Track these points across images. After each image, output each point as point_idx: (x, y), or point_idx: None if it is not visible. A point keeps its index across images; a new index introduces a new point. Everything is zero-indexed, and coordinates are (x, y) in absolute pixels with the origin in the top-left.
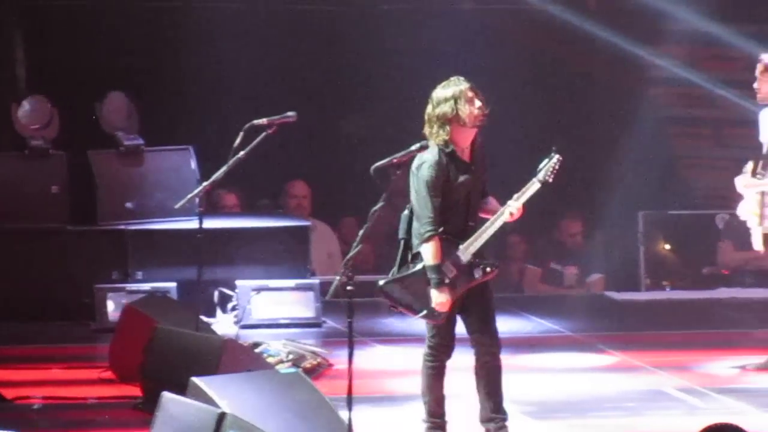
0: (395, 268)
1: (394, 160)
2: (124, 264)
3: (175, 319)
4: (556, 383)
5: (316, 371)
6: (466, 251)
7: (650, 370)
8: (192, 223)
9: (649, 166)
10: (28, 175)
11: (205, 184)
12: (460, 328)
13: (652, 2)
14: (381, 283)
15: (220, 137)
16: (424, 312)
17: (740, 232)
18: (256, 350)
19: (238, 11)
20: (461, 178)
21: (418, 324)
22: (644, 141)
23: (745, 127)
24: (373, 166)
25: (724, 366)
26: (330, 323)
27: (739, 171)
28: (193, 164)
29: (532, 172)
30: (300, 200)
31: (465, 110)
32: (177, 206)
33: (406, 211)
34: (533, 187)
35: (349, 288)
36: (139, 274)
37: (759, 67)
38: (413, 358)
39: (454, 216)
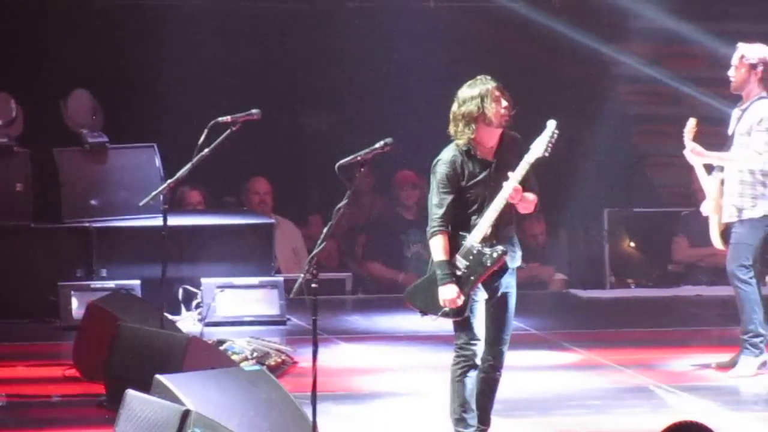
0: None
1: (359, 158)
2: (89, 261)
3: (139, 316)
4: (521, 381)
5: (280, 369)
6: (473, 239)
7: (615, 368)
8: (156, 221)
9: (613, 164)
10: None
11: (169, 181)
12: None
13: (616, 0)
14: (405, 293)
15: (185, 135)
16: (444, 311)
17: (696, 229)
18: (221, 348)
19: (200, 8)
20: (479, 177)
21: (382, 322)
22: (609, 139)
23: (710, 125)
24: (337, 164)
25: (688, 363)
26: (294, 321)
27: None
28: (158, 162)
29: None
30: (262, 197)
31: (492, 109)
32: (141, 203)
33: None
34: (529, 159)
35: (313, 285)
36: (104, 272)
37: (735, 55)
38: (377, 355)
39: (470, 214)
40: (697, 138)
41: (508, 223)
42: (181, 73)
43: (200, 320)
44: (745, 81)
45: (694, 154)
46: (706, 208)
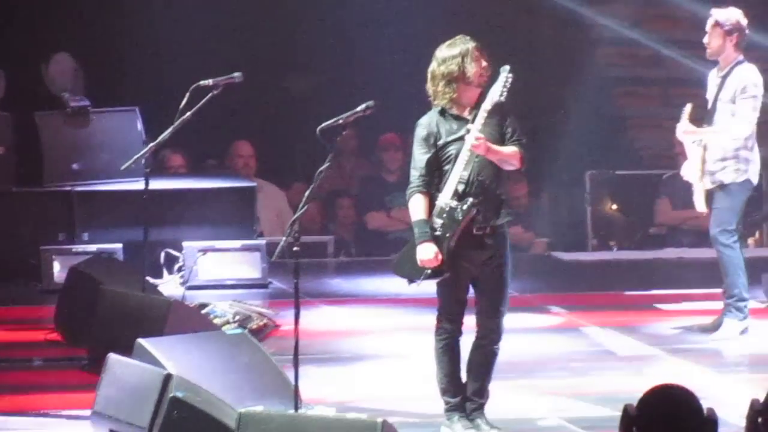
0: None
1: (341, 121)
2: (71, 225)
3: (121, 280)
4: (503, 343)
5: (262, 332)
6: (444, 197)
7: (597, 331)
8: (138, 184)
9: (595, 127)
10: None
11: (151, 145)
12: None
13: None
14: (392, 266)
15: (166, 98)
16: (425, 273)
17: (678, 191)
18: (203, 311)
19: None
20: (456, 134)
21: (364, 285)
22: (590, 101)
23: (692, 87)
24: (319, 127)
25: (670, 326)
26: (276, 284)
27: None
28: (139, 125)
29: None
30: (246, 160)
31: (472, 69)
32: (123, 167)
33: None
34: (485, 107)
35: (295, 249)
36: (85, 236)
37: (709, 22)
38: (359, 318)
39: (447, 173)
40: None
41: (489, 181)
42: (163, 37)
43: (182, 284)
44: (721, 47)
45: (686, 133)
46: (686, 172)
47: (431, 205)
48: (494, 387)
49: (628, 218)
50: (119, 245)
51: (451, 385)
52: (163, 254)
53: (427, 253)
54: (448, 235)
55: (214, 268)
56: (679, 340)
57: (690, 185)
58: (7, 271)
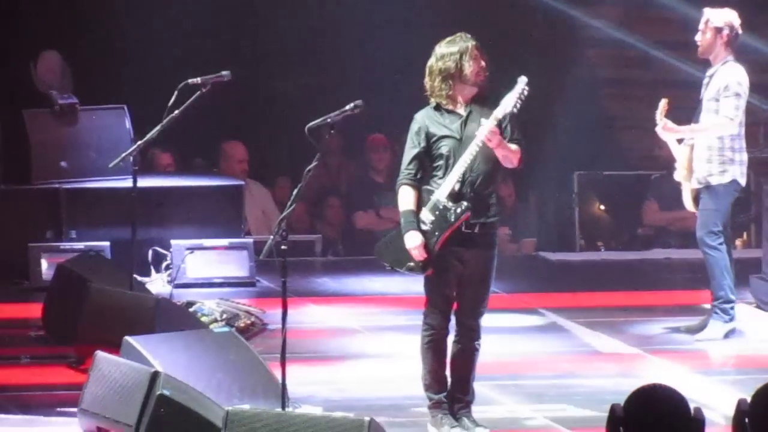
0: None
1: (328, 120)
2: (58, 223)
3: (108, 278)
4: (489, 344)
5: (249, 330)
6: (440, 194)
7: (584, 331)
8: (126, 183)
9: (583, 127)
10: None
11: (139, 142)
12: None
13: None
14: (375, 248)
15: (155, 96)
16: (409, 265)
17: (666, 192)
18: (190, 309)
19: None
20: (448, 130)
21: (352, 284)
22: (578, 102)
23: (680, 89)
24: (307, 126)
25: (657, 327)
26: (264, 282)
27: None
28: (128, 123)
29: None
30: (243, 165)
31: (469, 67)
32: (111, 165)
33: None
34: (497, 114)
35: (283, 247)
36: (73, 233)
37: (702, 20)
38: (346, 317)
39: (439, 169)
40: (670, 110)
41: (485, 182)
42: (152, 35)
43: (170, 282)
44: (712, 45)
45: (666, 130)
46: (678, 175)
47: (419, 197)
48: (481, 387)
49: (615, 219)
50: (107, 243)
51: (434, 381)
52: (150, 252)
53: (413, 241)
54: (437, 233)
55: (202, 267)
56: (665, 341)
57: (678, 186)
58: None
